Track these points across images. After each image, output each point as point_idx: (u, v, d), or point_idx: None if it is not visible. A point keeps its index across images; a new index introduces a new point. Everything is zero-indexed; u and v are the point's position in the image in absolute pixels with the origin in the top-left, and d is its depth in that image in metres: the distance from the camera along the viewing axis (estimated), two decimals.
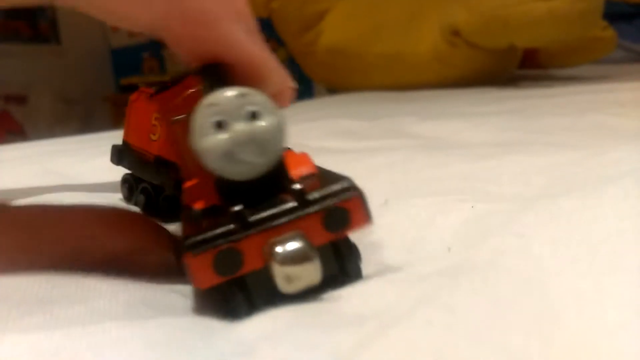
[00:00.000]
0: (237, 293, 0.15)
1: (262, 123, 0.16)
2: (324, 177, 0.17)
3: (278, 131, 0.16)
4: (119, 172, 0.29)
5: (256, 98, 0.16)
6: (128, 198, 0.28)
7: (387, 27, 0.97)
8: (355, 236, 0.17)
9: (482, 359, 0.12)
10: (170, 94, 0.21)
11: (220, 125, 0.15)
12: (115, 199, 0.29)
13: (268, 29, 1.21)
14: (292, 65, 1.28)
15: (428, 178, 0.28)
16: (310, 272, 0.15)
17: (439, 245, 0.19)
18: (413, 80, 0.92)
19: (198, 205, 0.16)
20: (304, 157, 0.17)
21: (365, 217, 0.16)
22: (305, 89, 1.54)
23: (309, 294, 0.15)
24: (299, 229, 0.15)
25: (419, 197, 0.24)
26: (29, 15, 1.85)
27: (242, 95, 0.16)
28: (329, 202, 0.15)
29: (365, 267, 0.18)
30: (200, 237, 0.15)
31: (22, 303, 0.15)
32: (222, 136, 0.15)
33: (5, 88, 1.85)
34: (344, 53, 1.00)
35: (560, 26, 0.80)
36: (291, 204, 0.15)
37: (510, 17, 0.80)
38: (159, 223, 0.19)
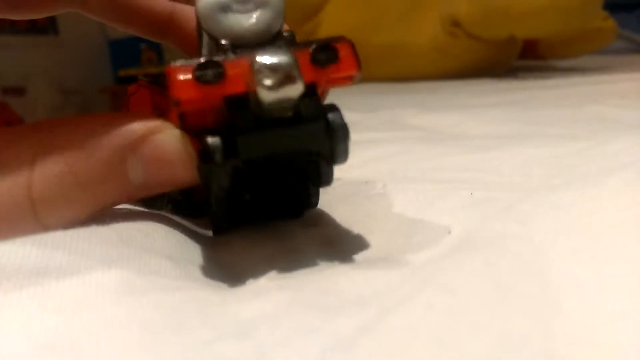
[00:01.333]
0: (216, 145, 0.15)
1: None
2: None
3: None
4: None
5: None
6: (149, 204, 0.27)
7: (387, 18, 0.97)
8: (351, 216, 0.17)
9: (483, 345, 0.12)
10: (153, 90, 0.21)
11: None
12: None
13: None
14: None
15: (427, 168, 0.28)
16: (291, 79, 0.15)
17: (438, 228, 0.19)
18: (413, 71, 0.91)
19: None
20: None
21: (353, 60, 0.16)
22: None
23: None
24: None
25: (418, 183, 0.24)
26: None
27: None
28: (317, 42, 0.16)
29: (364, 249, 0.18)
30: (185, 63, 0.15)
31: (15, 274, 0.15)
32: None
33: (3, 80, 1.84)
34: None
35: (561, 17, 0.80)
36: (279, 46, 0.15)
37: (510, 7, 0.80)
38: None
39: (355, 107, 0.58)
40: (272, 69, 0.15)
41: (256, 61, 0.15)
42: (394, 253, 0.18)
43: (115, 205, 0.18)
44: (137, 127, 0.17)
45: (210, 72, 0.15)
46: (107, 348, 0.12)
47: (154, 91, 0.24)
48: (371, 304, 0.14)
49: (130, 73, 1.74)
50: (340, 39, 0.16)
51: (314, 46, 0.16)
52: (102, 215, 0.18)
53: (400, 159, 0.31)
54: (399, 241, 0.19)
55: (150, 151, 0.17)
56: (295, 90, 0.15)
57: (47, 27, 1.92)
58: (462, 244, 0.17)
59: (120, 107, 0.26)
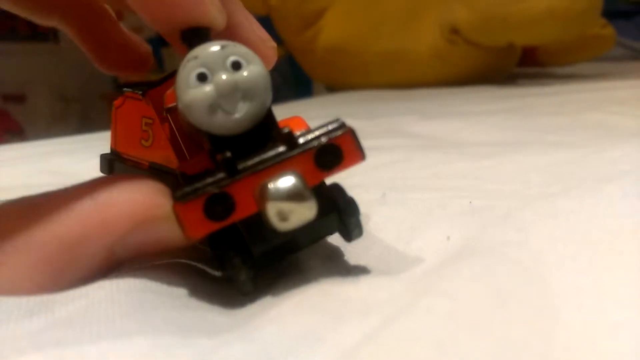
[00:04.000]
0: (237, 263, 0.15)
1: (245, 72, 0.15)
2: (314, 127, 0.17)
3: (262, 79, 0.16)
4: None
5: (237, 49, 0.16)
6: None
7: (387, 25, 0.97)
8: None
9: (483, 350, 0.12)
10: (162, 89, 0.20)
11: (203, 78, 0.15)
12: None
13: (267, 26, 1.21)
14: (292, 63, 1.28)
15: (426, 176, 0.28)
16: (304, 207, 0.14)
17: (438, 235, 0.19)
18: (412, 79, 0.91)
19: (191, 171, 0.16)
20: (298, 119, 0.17)
21: (358, 153, 0.16)
22: (305, 88, 1.54)
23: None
24: (290, 168, 0.15)
25: (417, 191, 0.24)
26: None
27: (223, 47, 0.15)
28: (319, 141, 0.15)
29: (365, 257, 0.18)
30: (188, 188, 0.14)
31: (25, 303, 0.15)
32: (206, 88, 0.15)
33: (3, 87, 1.84)
34: (343, 51, 1.00)
35: (560, 24, 0.80)
36: (281, 148, 0.15)
37: (509, 15, 0.80)
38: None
39: (355, 114, 0.58)
40: (284, 198, 0.14)
41: (268, 189, 0.14)
42: (394, 262, 0.18)
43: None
44: (124, 215, 0.16)
45: (220, 208, 0.14)
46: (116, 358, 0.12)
47: (144, 101, 0.23)
48: (374, 313, 0.14)
49: (130, 80, 1.74)
50: (340, 127, 0.15)
51: (316, 146, 0.15)
52: None
53: (400, 167, 0.31)
54: (400, 249, 0.19)
55: (140, 241, 0.16)
56: (308, 215, 0.15)
57: (47, 34, 1.92)
58: (461, 251, 0.17)
59: (109, 123, 0.26)
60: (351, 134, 0.15)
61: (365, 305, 0.14)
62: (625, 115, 0.43)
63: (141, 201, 0.16)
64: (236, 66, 0.15)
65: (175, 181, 0.17)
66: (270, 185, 0.14)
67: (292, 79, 1.63)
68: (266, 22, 1.14)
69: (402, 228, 0.20)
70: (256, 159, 0.15)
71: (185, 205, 0.14)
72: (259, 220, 0.15)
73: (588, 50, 0.97)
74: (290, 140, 0.15)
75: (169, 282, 0.16)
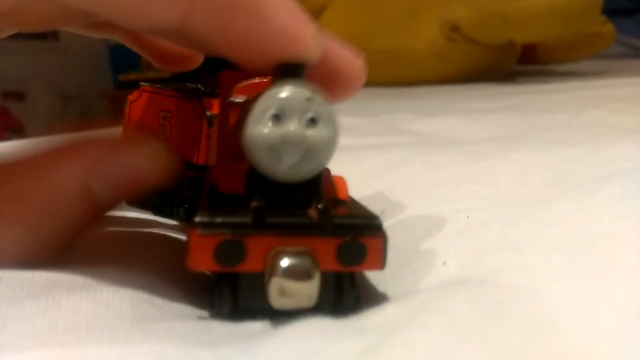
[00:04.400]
0: (225, 293, 0.15)
1: (317, 132, 0.15)
2: (354, 207, 0.16)
3: (329, 145, 0.15)
4: None
5: (321, 107, 0.15)
6: (158, 209, 0.25)
7: (386, 23, 0.97)
8: None
9: None
10: (242, 76, 0.20)
11: (277, 119, 0.15)
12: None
13: None
14: None
15: (425, 183, 0.28)
16: (306, 293, 0.14)
17: (434, 258, 0.19)
18: (412, 76, 0.91)
19: (223, 189, 0.16)
20: (340, 180, 0.17)
21: (380, 261, 0.15)
22: None
23: (296, 315, 0.15)
24: (311, 247, 0.15)
25: (415, 207, 0.24)
26: None
27: (308, 100, 0.15)
28: (350, 232, 0.15)
29: (361, 279, 0.18)
30: (212, 219, 0.14)
31: (28, 283, 0.15)
32: (274, 130, 0.15)
33: (3, 85, 1.84)
34: None
35: (560, 21, 0.80)
36: (312, 220, 0.15)
37: (509, 12, 0.80)
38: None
39: (355, 112, 0.58)
40: (291, 279, 0.14)
41: (279, 264, 0.14)
42: (391, 283, 0.18)
43: (84, 225, 0.17)
44: (95, 149, 0.16)
45: (230, 255, 0.14)
46: None
47: (160, 95, 0.23)
48: (371, 331, 0.14)
49: (130, 78, 1.74)
50: (375, 227, 0.15)
51: (344, 238, 0.15)
52: (114, 243, 0.18)
53: (399, 172, 0.31)
54: (396, 271, 0.19)
55: (112, 172, 0.16)
56: (307, 303, 0.14)
57: (47, 32, 1.92)
58: (457, 277, 0.17)
59: (121, 116, 0.26)
60: (382, 239, 0.15)
61: (361, 325, 0.14)
62: (626, 112, 0.43)
63: (108, 137, 0.17)
64: (312, 121, 0.15)
65: (208, 192, 0.17)
66: (283, 260, 0.14)
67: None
68: None
69: (400, 250, 0.20)
70: (286, 219, 0.15)
71: (200, 237, 0.14)
72: (259, 277, 0.15)
73: (588, 47, 0.97)
74: (325, 216, 0.15)
75: (172, 294, 0.17)
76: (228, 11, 0.15)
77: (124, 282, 0.16)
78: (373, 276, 0.19)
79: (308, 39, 0.16)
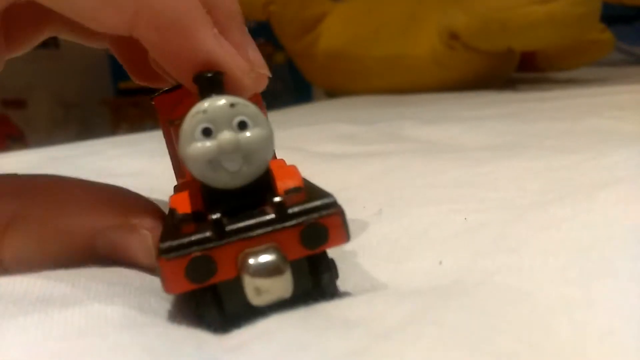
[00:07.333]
0: (209, 302, 0.15)
1: (249, 134, 0.16)
2: (309, 191, 0.16)
3: (265, 143, 0.16)
4: (119, 179, 0.28)
5: (247, 109, 0.16)
6: None
7: (386, 31, 0.97)
8: (347, 244, 0.17)
9: None
10: (173, 96, 0.21)
11: (208, 133, 0.15)
12: None
13: (267, 32, 1.21)
14: (291, 69, 1.28)
15: (423, 185, 0.28)
16: (281, 286, 0.15)
17: (430, 258, 0.19)
18: (411, 84, 0.92)
19: (182, 210, 0.16)
20: (292, 170, 0.17)
21: (343, 235, 0.16)
22: (304, 93, 1.55)
23: (282, 306, 0.15)
24: (275, 241, 0.15)
25: (413, 206, 0.24)
26: None
27: (232, 105, 0.16)
28: (307, 218, 0.15)
29: (354, 276, 0.18)
30: (175, 243, 0.15)
31: (20, 300, 0.15)
32: (209, 144, 0.15)
33: (4, 93, 1.85)
34: (342, 56, 1.01)
35: (559, 29, 0.80)
36: (270, 217, 0.15)
37: (508, 20, 0.80)
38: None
39: (354, 119, 0.59)
40: (262, 275, 0.14)
41: (248, 263, 0.15)
42: (383, 281, 0.18)
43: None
44: (113, 214, 0.18)
45: (202, 271, 0.15)
46: None
47: (158, 100, 0.23)
48: (359, 329, 0.14)
49: (130, 85, 1.75)
50: (330, 206, 0.15)
51: (303, 224, 0.15)
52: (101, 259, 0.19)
53: (397, 176, 0.31)
54: (391, 269, 0.19)
55: (115, 241, 0.18)
56: (284, 294, 0.15)
57: (47, 40, 1.93)
58: (452, 283, 0.17)
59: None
60: (340, 215, 0.15)
61: (349, 322, 0.14)
62: (625, 120, 0.43)
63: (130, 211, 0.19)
64: (242, 126, 0.16)
65: (167, 217, 0.17)
66: (251, 261, 0.15)
67: (292, 84, 1.64)
68: (266, 27, 1.15)
69: (395, 247, 0.20)
70: (244, 223, 0.15)
71: (168, 262, 0.14)
72: (236, 281, 0.15)
73: (587, 55, 0.97)
74: (280, 210, 0.15)
75: (163, 305, 0.17)
76: (166, 29, 0.17)
77: (115, 295, 0.16)
78: (367, 272, 0.19)
79: (239, 69, 0.18)
